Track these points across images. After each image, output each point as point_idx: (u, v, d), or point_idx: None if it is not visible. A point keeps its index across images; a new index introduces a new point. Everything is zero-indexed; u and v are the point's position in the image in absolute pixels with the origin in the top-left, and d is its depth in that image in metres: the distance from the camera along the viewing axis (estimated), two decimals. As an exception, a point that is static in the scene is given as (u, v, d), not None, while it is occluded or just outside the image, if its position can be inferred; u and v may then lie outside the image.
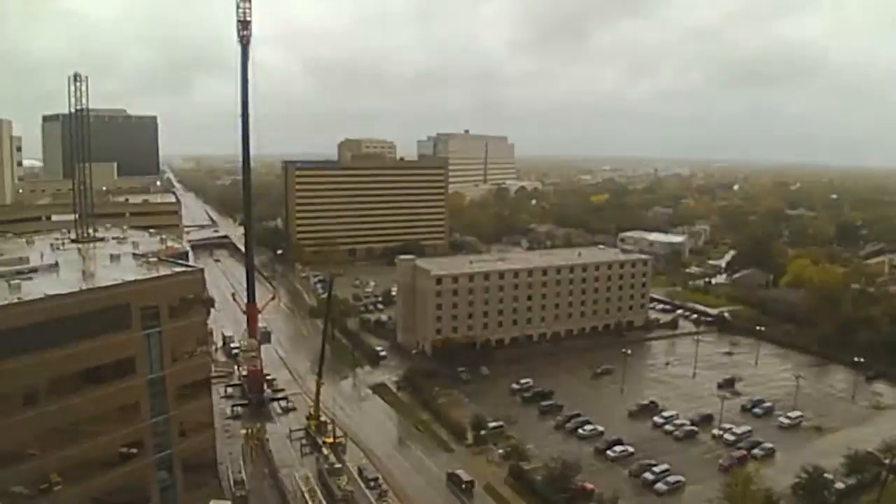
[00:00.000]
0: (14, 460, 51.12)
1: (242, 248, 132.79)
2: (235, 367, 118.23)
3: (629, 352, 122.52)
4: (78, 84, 78.95)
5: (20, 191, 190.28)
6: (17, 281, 57.25)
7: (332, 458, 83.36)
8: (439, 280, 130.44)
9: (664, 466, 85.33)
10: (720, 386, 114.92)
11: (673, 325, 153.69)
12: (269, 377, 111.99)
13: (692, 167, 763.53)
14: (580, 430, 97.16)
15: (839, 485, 79.86)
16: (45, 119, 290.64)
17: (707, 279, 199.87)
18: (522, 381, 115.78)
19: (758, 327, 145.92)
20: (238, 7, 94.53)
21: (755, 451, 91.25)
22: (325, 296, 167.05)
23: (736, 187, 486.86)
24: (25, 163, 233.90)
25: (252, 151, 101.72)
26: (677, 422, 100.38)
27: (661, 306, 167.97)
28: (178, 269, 65.12)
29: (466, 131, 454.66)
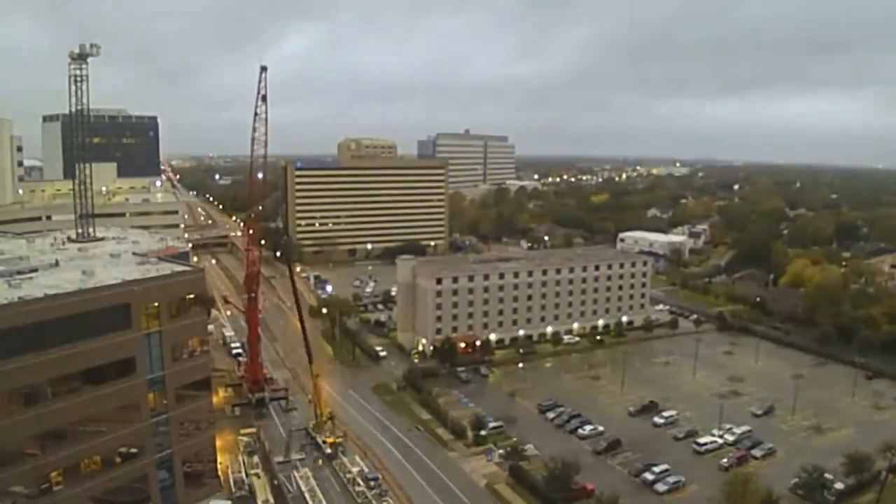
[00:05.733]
0: (14, 460, 51.09)
1: (242, 248, 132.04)
2: (235, 367, 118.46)
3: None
4: (78, 84, 78.75)
5: (20, 191, 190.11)
6: (17, 280, 57.28)
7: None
8: (439, 280, 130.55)
9: (664, 466, 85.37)
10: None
11: (673, 324, 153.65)
12: (268, 376, 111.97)
13: (692, 167, 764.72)
14: (580, 430, 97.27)
15: (839, 485, 79.91)
16: (45, 119, 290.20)
17: (707, 279, 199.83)
18: (522, 381, 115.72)
19: (757, 327, 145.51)
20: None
21: (755, 451, 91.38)
22: (324, 295, 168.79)
23: (736, 187, 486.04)
24: (25, 163, 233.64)
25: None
26: (678, 422, 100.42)
27: (660, 306, 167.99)
28: (178, 269, 65.06)
29: (466, 131, 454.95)
